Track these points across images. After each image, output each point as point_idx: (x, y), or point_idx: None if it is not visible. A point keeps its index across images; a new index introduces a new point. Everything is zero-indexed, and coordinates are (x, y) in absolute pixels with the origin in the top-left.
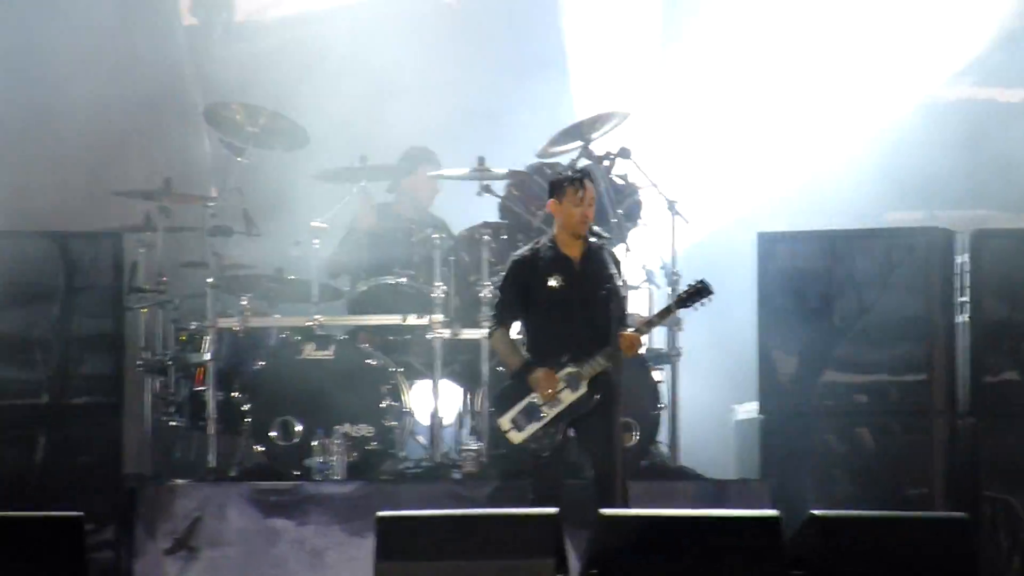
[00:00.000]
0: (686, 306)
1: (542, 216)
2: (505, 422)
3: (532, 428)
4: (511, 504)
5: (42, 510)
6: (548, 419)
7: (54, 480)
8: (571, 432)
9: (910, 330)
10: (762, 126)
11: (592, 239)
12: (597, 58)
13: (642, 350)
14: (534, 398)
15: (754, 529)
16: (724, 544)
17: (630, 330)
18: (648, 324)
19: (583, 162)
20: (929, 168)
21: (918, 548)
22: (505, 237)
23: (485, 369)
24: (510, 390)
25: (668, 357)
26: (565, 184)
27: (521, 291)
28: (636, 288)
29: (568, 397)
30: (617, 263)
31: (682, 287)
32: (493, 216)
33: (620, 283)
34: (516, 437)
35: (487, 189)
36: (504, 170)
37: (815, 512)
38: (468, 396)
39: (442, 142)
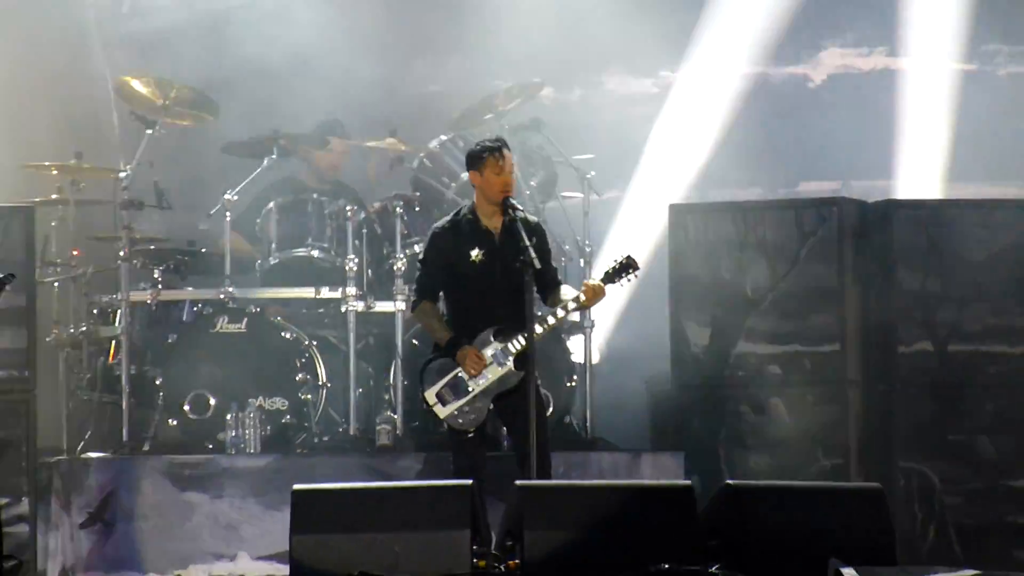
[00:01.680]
0: (613, 281)
1: (455, 188)
2: (431, 396)
3: (458, 403)
4: (426, 477)
5: None
6: (474, 394)
7: None
8: (491, 406)
9: (823, 301)
10: (673, 95)
11: (509, 211)
12: (510, 28)
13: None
14: (460, 373)
15: (668, 499)
16: (639, 514)
17: (593, 282)
18: (575, 300)
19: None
20: (843, 138)
21: (833, 518)
22: (418, 209)
23: (399, 342)
24: (436, 365)
25: (582, 328)
26: (484, 154)
27: (443, 263)
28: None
29: (495, 372)
30: (540, 233)
31: (607, 263)
32: (406, 189)
33: (536, 254)
34: (441, 412)
35: (399, 162)
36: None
37: (729, 482)
38: (383, 369)
39: (354, 115)
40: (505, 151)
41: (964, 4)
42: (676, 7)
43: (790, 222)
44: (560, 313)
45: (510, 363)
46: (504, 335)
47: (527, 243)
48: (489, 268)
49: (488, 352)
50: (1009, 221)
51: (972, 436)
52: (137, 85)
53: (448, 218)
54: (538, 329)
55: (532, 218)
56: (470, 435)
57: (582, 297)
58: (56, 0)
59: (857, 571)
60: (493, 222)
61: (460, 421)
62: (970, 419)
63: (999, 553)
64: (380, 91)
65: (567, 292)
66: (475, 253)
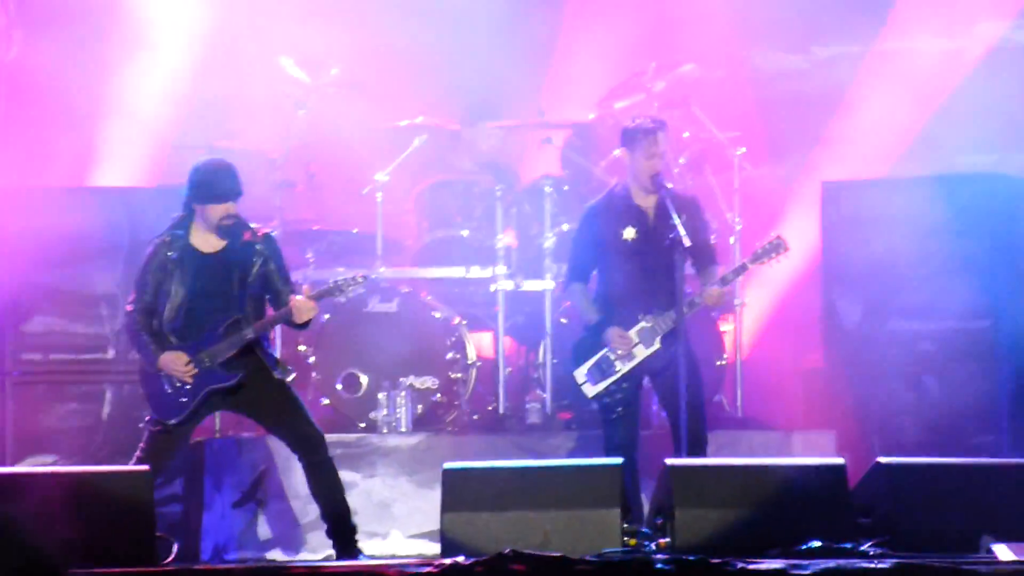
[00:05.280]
0: (761, 262)
1: (604, 166)
2: (580, 375)
3: (606, 382)
4: (577, 455)
5: (111, 464)
6: (621, 374)
7: (121, 435)
8: (642, 384)
9: (976, 277)
10: (825, 71)
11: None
12: (658, 4)
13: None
14: (608, 352)
15: (820, 477)
16: (791, 492)
17: (713, 286)
18: (723, 281)
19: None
20: (1002, 111)
21: (986, 495)
22: (567, 188)
23: (548, 321)
24: (585, 343)
25: (733, 307)
26: (640, 135)
27: (596, 242)
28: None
29: (642, 352)
30: (692, 208)
31: (758, 243)
32: (555, 167)
33: (687, 231)
34: (590, 390)
35: (548, 140)
36: (566, 120)
37: (881, 459)
38: (531, 348)
39: (503, 92)
40: (660, 134)
41: None
42: None
43: (943, 197)
44: (691, 307)
45: (657, 342)
46: (653, 314)
47: (678, 221)
48: (642, 247)
49: (635, 332)
50: None
51: None
52: (289, 66)
53: (601, 197)
54: (685, 310)
55: (686, 194)
56: (619, 413)
57: (700, 301)
58: None
59: (1009, 547)
60: (647, 201)
61: (607, 400)
62: None
63: None
64: (527, 70)
65: (712, 275)
66: (628, 232)
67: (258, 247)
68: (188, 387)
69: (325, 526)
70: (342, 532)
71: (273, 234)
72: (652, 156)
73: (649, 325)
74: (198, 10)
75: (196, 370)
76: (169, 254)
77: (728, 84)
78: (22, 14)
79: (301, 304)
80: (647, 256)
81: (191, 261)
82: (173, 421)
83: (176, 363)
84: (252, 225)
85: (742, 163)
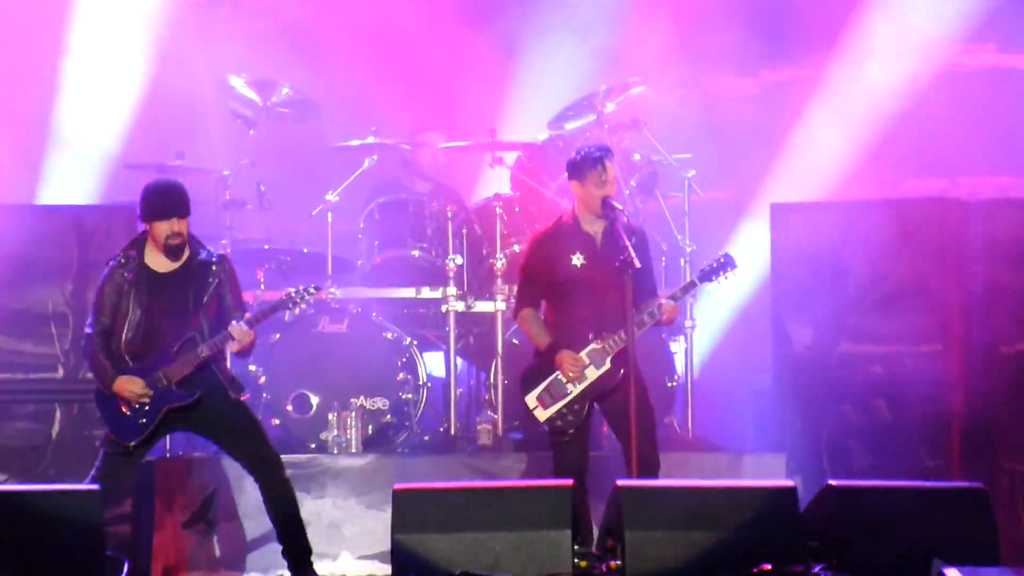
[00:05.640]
0: (710, 280)
1: (554, 187)
2: (531, 400)
3: (557, 405)
4: (528, 477)
5: (60, 483)
6: (572, 396)
7: (70, 454)
8: (591, 407)
9: (925, 301)
10: (775, 95)
11: (610, 212)
12: (610, 27)
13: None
14: (559, 376)
15: (770, 500)
16: (741, 515)
17: (667, 301)
18: (673, 298)
19: (596, 134)
20: (951, 136)
21: (936, 519)
22: (518, 209)
23: (499, 342)
24: (536, 369)
25: (683, 328)
26: (587, 166)
27: (544, 269)
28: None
29: (592, 373)
30: (640, 236)
31: (705, 261)
32: (506, 188)
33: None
34: (542, 415)
35: (498, 161)
36: (517, 142)
37: (832, 482)
38: (482, 369)
39: (451, 116)
40: (608, 163)
41: None
42: (771, 5)
43: (893, 221)
44: (640, 327)
45: (608, 363)
46: (603, 336)
47: (627, 243)
48: (591, 272)
49: (585, 353)
50: None
51: None
52: (239, 85)
53: (550, 225)
54: (636, 329)
55: (636, 225)
56: (571, 435)
57: (660, 315)
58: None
59: (960, 571)
60: (594, 227)
61: (560, 423)
62: None
63: None
64: (478, 92)
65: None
66: (577, 258)
67: (214, 267)
68: (147, 407)
69: (280, 546)
70: (297, 552)
71: (227, 254)
72: (603, 184)
73: (599, 347)
74: (149, 28)
75: (151, 392)
76: (125, 275)
77: (678, 107)
78: None
79: (235, 333)
80: (595, 280)
81: (145, 281)
82: (133, 442)
83: (131, 387)
84: (208, 247)
85: (692, 186)
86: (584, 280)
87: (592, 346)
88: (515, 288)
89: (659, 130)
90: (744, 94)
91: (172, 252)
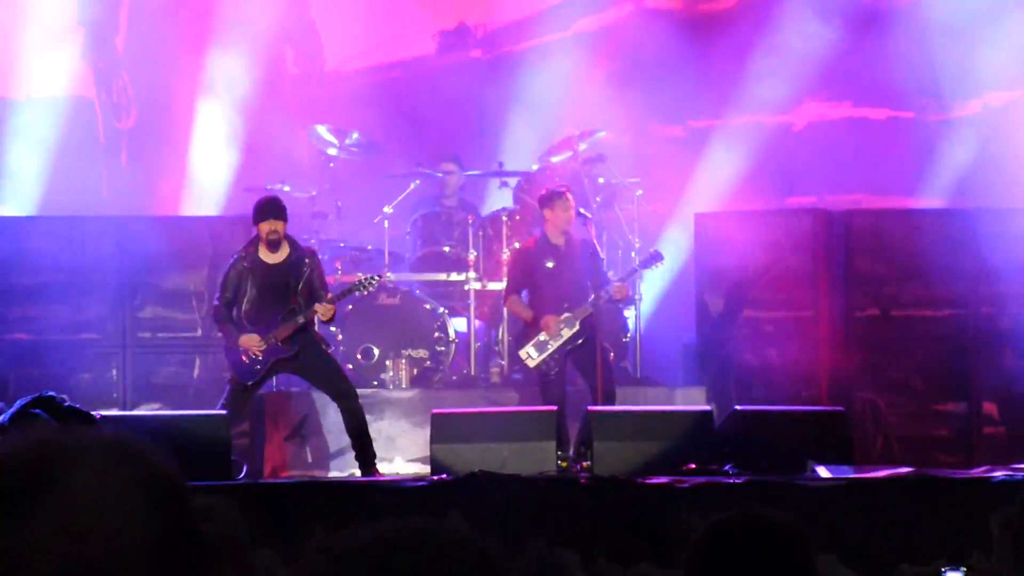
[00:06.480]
0: (647, 267)
1: None
2: (523, 353)
3: (542, 355)
4: (524, 404)
5: (200, 410)
6: (553, 348)
7: (207, 390)
8: (567, 356)
9: (802, 280)
10: (696, 136)
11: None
12: (582, 89)
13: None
14: (542, 336)
15: (695, 420)
16: (675, 430)
17: (618, 283)
18: (620, 280)
19: (572, 166)
20: (818, 166)
21: (809, 431)
22: (518, 218)
23: (505, 310)
24: (525, 331)
25: (634, 300)
26: (555, 198)
27: (524, 271)
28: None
29: (567, 333)
30: (590, 244)
31: (644, 255)
32: (509, 203)
33: (597, 252)
34: (532, 362)
35: (504, 184)
36: (517, 170)
37: (737, 408)
38: (493, 329)
39: (472, 150)
40: (569, 196)
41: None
42: (700, 71)
43: (780, 225)
44: (599, 300)
45: (577, 326)
46: (572, 309)
47: (595, 240)
48: (559, 270)
49: (562, 319)
50: (926, 225)
51: (908, 373)
52: (323, 131)
53: (528, 241)
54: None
55: (587, 237)
56: (553, 376)
57: (612, 293)
58: (264, 79)
59: (827, 468)
60: (559, 240)
61: (544, 368)
62: (906, 361)
63: (926, 456)
64: (490, 134)
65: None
66: (549, 263)
67: (306, 260)
68: (260, 357)
69: (353, 453)
70: (366, 457)
71: (315, 250)
72: (567, 210)
73: (570, 315)
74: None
75: (265, 346)
76: (244, 264)
77: (630, 145)
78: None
79: (321, 309)
80: (563, 275)
81: (259, 269)
82: (250, 382)
83: (251, 342)
84: (302, 245)
85: (640, 201)
86: (555, 275)
87: (566, 314)
88: (504, 287)
89: (616, 162)
90: (676, 136)
91: (271, 245)
